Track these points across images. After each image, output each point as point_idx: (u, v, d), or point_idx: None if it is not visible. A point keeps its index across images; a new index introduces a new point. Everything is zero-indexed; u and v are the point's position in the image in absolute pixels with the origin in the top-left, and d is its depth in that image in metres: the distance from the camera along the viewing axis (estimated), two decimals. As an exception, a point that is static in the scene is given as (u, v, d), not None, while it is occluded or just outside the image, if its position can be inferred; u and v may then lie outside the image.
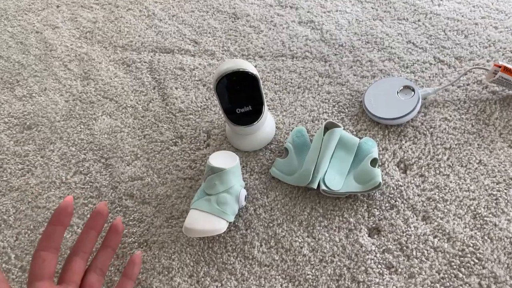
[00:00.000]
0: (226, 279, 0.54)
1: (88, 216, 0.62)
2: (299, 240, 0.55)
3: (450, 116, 0.62)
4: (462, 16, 0.74)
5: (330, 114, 0.66)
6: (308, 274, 0.53)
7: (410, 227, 0.54)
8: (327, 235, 0.55)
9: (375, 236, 0.54)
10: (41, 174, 0.67)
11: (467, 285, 0.49)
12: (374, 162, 0.58)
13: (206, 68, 0.76)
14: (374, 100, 0.64)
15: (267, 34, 0.79)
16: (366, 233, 0.55)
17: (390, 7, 0.78)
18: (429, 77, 0.67)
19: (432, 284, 0.50)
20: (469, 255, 0.51)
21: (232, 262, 0.55)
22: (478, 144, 0.59)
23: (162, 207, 0.61)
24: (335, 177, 0.57)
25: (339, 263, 0.53)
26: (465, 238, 0.52)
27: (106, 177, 0.66)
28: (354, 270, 0.52)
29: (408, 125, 0.62)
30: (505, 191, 0.54)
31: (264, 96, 0.58)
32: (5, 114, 0.76)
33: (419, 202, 0.56)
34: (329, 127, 0.60)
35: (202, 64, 0.77)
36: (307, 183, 0.56)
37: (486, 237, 0.52)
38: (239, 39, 0.80)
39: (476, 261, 0.50)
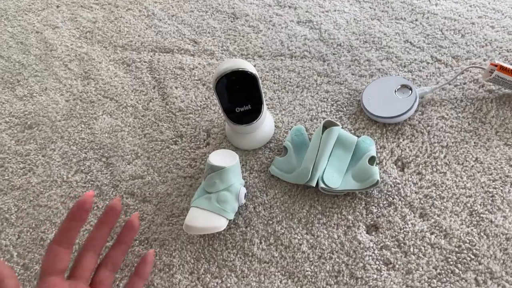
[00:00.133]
0: (226, 275, 0.55)
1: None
2: (298, 237, 0.56)
3: (447, 115, 0.63)
4: (459, 15, 0.74)
5: (328, 113, 0.67)
6: (307, 271, 0.53)
7: (408, 224, 0.55)
8: (325, 232, 0.56)
9: (373, 233, 0.55)
10: (43, 173, 0.68)
11: (464, 280, 0.50)
12: (372, 160, 0.58)
13: (205, 68, 0.77)
14: (372, 99, 0.65)
15: (266, 34, 0.80)
16: (364, 230, 0.55)
17: (388, 7, 0.79)
18: (426, 76, 0.68)
19: (429, 280, 0.50)
20: (465, 251, 0.52)
21: (232, 259, 0.56)
22: (474, 142, 0.60)
23: (163, 205, 0.62)
24: (334, 175, 0.58)
25: (337, 259, 0.54)
26: (461, 234, 0.53)
27: (107, 176, 0.66)
28: (353, 267, 0.53)
29: (406, 124, 0.63)
30: (501, 188, 0.55)
31: (263, 95, 0.59)
32: (6, 114, 0.77)
33: (417, 199, 0.56)
34: (327, 125, 0.61)
35: (202, 63, 0.78)
36: (306, 181, 0.57)
37: (482, 234, 0.52)
38: (238, 39, 0.80)
39: (473, 257, 0.51)
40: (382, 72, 0.70)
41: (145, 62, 0.80)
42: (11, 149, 0.72)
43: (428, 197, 0.56)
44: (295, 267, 0.54)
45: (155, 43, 0.83)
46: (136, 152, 0.68)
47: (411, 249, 0.53)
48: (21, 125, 0.75)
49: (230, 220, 0.57)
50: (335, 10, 0.81)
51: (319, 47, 0.76)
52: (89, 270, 0.41)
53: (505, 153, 0.58)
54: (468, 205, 0.55)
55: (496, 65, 0.60)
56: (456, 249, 0.52)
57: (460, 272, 0.50)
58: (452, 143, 0.60)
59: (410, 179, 0.58)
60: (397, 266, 0.52)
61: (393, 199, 0.57)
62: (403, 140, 0.62)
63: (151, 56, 0.81)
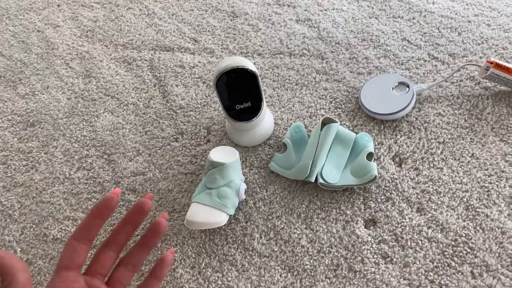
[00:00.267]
0: (227, 269, 0.56)
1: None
2: (298, 232, 0.57)
3: (444, 111, 0.64)
4: (456, 14, 0.75)
5: (327, 110, 0.68)
6: (306, 265, 0.54)
7: (405, 219, 0.56)
8: (324, 226, 0.57)
9: (371, 228, 0.56)
10: (45, 170, 0.69)
11: (460, 273, 0.51)
12: (370, 156, 0.59)
13: (205, 66, 0.78)
14: (370, 96, 0.66)
15: (265, 32, 0.81)
16: (363, 224, 0.56)
17: (386, 5, 0.80)
18: (424, 73, 0.69)
19: (426, 273, 0.51)
20: (461, 245, 0.53)
21: (232, 254, 0.57)
22: (470, 138, 0.61)
23: (164, 201, 0.63)
24: (332, 170, 0.59)
25: (336, 253, 0.55)
26: (458, 228, 0.54)
27: (108, 173, 0.67)
28: (351, 260, 0.54)
29: (403, 120, 0.64)
30: (497, 183, 0.56)
31: (263, 92, 0.59)
32: (8, 112, 0.78)
33: (414, 194, 0.57)
34: (326, 122, 0.61)
35: (202, 62, 0.79)
36: (305, 177, 0.58)
37: (478, 228, 0.53)
38: (237, 37, 0.81)
39: (469, 250, 0.52)
40: (380, 70, 0.71)
41: (145, 60, 0.81)
42: (13, 146, 0.73)
43: (425, 192, 0.57)
44: (295, 261, 0.55)
45: (155, 42, 0.84)
46: (138, 149, 0.69)
47: (409, 243, 0.54)
48: (24, 123, 0.76)
49: (230, 215, 0.58)
50: (333, 9, 0.82)
51: (317, 45, 0.77)
52: (107, 267, 0.40)
53: (500, 149, 0.59)
54: (464, 199, 0.56)
55: (491, 63, 0.61)
56: (453, 243, 0.53)
57: (457, 265, 0.51)
58: (449, 139, 0.61)
59: (407, 174, 0.59)
60: (394, 259, 0.53)
61: (390, 194, 0.58)
62: (401, 137, 0.63)
63: (151, 55, 0.82)
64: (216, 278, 0.55)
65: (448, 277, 0.51)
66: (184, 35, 0.84)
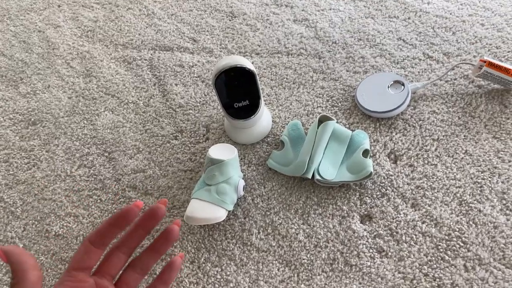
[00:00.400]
0: (226, 264, 0.57)
1: (93, 207, 0.65)
2: (295, 227, 0.58)
3: (438, 109, 0.65)
4: (450, 13, 0.77)
5: (324, 108, 0.69)
6: (303, 259, 0.56)
7: (400, 214, 0.57)
8: (321, 222, 0.58)
9: (367, 223, 0.57)
10: (47, 167, 0.70)
11: (453, 267, 0.52)
12: (365, 153, 0.61)
13: (204, 65, 0.79)
14: (366, 94, 0.67)
15: (263, 32, 0.82)
16: (358, 219, 0.58)
17: (382, 6, 0.81)
18: (419, 72, 0.70)
19: (420, 267, 0.53)
20: (455, 239, 0.54)
21: (231, 249, 0.58)
22: (464, 136, 0.62)
23: (164, 198, 0.64)
24: (329, 167, 0.60)
25: (332, 248, 0.56)
26: (451, 223, 0.55)
27: (109, 170, 0.68)
28: (347, 255, 0.55)
29: (398, 118, 0.65)
30: (489, 179, 0.58)
31: (260, 91, 0.61)
32: (10, 111, 0.79)
33: (409, 190, 0.59)
34: (323, 120, 0.63)
35: (201, 61, 0.80)
36: (302, 173, 0.59)
37: (471, 222, 0.55)
38: (236, 37, 0.82)
39: (462, 244, 0.53)
40: (376, 69, 0.72)
41: (145, 60, 0.82)
42: (15, 145, 0.74)
43: (419, 188, 0.59)
44: (292, 255, 0.56)
45: (155, 42, 0.85)
46: (138, 147, 0.70)
47: (403, 238, 0.55)
48: (25, 121, 0.77)
49: (229, 211, 0.59)
50: (330, 9, 0.83)
51: (315, 45, 0.78)
52: (116, 268, 0.40)
53: (493, 146, 0.60)
54: (458, 195, 0.57)
55: (485, 61, 0.62)
56: (446, 237, 0.54)
57: (450, 258, 0.53)
58: (443, 136, 0.63)
59: (402, 171, 0.60)
60: (389, 253, 0.54)
61: (386, 190, 0.59)
62: (396, 134, 0.64)
63: (151, 54, 0.83)
64: (215, 273, 0.56)
65: (441, 271, 0.52)
66: (183, 35, 0.85)
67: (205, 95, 0.75)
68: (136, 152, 0.69)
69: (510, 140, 0.60)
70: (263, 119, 0.66)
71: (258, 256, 0.57)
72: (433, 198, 0.57)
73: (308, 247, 0.56)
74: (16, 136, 0.75)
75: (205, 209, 0.56)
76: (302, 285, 0.54)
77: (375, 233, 0.56)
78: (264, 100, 0.72)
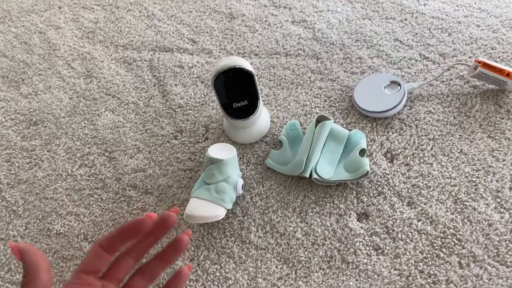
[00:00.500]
0: (225, 262, 0.58)
1: (93, 206, 0.66)
2: (293, 225, 0.59)
3: (434, 109, 0.66)
4: (446, 15, 0.78)
5: (321, 108, 0.70)
6: (301, 256, 0.57)
7: (396, 212, 0.58)
8: (318, 220, 0.59)
9: (364, 221, 0.58)
10: (48, 167, 0.71)
11: (448, 263, 0.53)
12: (362, 152, 0.62)
13: (204, 66, 0.80)
14: (363, 94, 0.68)
15: (262, 33, 0.83)
16: (355, 218, 0.59)
17: (379, 7, 0.82)
18: (415, 72, 0.71)
19: (416, 264, 0.54)
20: (450, 237, 0.55)
21: (230, 246, 0.59)
22: (459, 135, 0.63)
23: (164, 197, 0.65)
24: (326, 166, 0.61)
25: (330, 245, 0.57)
26: (446, 221, 0.56)
27: (110, 169, 0.69)
28: (344, 252, 0.56)
29: (395, 118, 0.66)
30: (484, 177, 0.59)
31: (259, 91, 0.62)
32: (11, 111, 0.80)
33: (405, 189, 0.60)
34: (320, 120, 0.64)
35: (200, 62, 0.81)
36: (300, 173, 0.60)
37: (466, 220, 0.56)
38: (235, 38, 0.83)
39: (456, 241, 0.54)
40: (373, 69, 0.73)
41: (145, 61, 0.83)
42: (17, 144, 0.75)
43: (415, 186, 0.60)
44: (290, 253, 0.57)
45: (155, 43, 0.86)
46: (138, 147, 0.71)
47: (399, 235, 0.56)
48: (27, 121, 0.78)
49: (228, 210, 0.60)
50: (328, 10, 0.84)
51: (312, 46, 0.79)
52: (124, 273, 0.40)
53: (488, 145, 0.61)
54: (453, 193, 0.58)
55: (480, 62, 0.63)
56: (441, 235, 0.55)
57: (445, 256, 0.54)
58: (439, 135, 0.64)
59: (398, 170, 0.61)
60: (386, 251, 0.55)
61: (382, 188, 0.60)
62: (392, 133, 0.65)
63: (151, 55, 0.84)
64: (215, 270, 0.57)
65: (436, 267, 0.53)
66: (183, 36, 0.86)
67: (204, 95, 0.76)
68: (136, 152, 0.70)
69: (504, 139, 0.61)
70: (262, 119, 0.67)
71: (256, 254, 0.58)
72: (429, 196, 0.58)
73: (305, 245, 0.57)
74: (17, 136, 0.76)
75: (204, 208, 0.57)
76: (300, 282, 0.55)
77: (371, 231, 0.57)
78: (263, 100, 0.73)
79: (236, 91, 0.60)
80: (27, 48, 0.90)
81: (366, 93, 0.68)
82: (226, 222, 0.61)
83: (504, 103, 0.64)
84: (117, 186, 0.67)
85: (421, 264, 0.54)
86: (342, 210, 0.59)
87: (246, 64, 0.58)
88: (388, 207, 0.58)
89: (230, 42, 0.83)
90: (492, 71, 0.62)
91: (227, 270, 0.57)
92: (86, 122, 0.76)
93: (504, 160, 0.59)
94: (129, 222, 0.38)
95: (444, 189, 0.59)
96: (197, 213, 0.57)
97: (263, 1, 0.89)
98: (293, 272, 0.56)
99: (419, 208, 0.58)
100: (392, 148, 0.64)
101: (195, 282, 0.56)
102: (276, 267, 0.56)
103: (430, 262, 0.53)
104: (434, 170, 0.61)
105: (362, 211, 0.59)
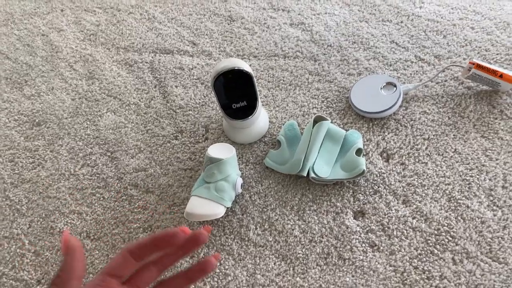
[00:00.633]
0: (225, 258, 0.59)
1: (96, 204, 0.67)
2: (291, 223, 0.60)
3: (429, 110, 0.68)
4: (442, 17, 0.79)
5: (319, 109, 0.72)
6: (299, 253, 0.58)
7: (392, 210, 0.59)
8: (316, 218, 0.60)
9: (360, 219, 0.60)
10: (51, 167, 0.72)
11: (442, 260, 0.54)
12: (359, 152, 0.63)
13: (204, 68, 0.82)
14: (359, 95, 0.69)
15: (260, 36, 0.85)
16: (352, 215, 0.60)
17: (375, 10, 0.84)
18: (410, 74, 0.73)
19: (411, 260, 0.55)
20: (444, 234, 0.56)
21: (229, 244, 0.60)
22: (454, 135, 0.65)
23: (165, 196, 0.66)
24: (323, 165, 0.63)
25: (327, 243, 0.58)
26: (440, 218, 0.57)
27: (112, 169, 0.71)
28: (341, 249, 0.57)
29: (391, 118, 0.68)
30: (477, 176, 0.60)
31: (258, 92, 0.63)
32: (15, 112, 0.81)
33: (400, 187, 0.61)
34: (318, 120, 0.65)
35: (200, 63, 0.82)
36: (297, 172, 0.62)
37: (459, 218, 0.57)
38: (234, 40, 0.85)
39: (450, 238, 0.56)
40: (369, 71, 0.75)
41: (146, 62, 0.85)
42: (20, 145, 0.76)
43: (410, 185, 0.61)
44: (288, 250, 0.58)
45: (156, 45, 0.87)
46: (139, 147, 0.72)
47: (395, 233, 0.57)
48: (30, 122, 0.79)
49: (227, 208, 0.61)
50: (325, 13, 0.86)
51: (310, 48, 0.80)
52: (147, 283, 0.40)
53: (481, 145, 0.63)
54: (447, 192, 0.59)
55: (473, 64, 0.65)
56: (435, 232, 0.57)
57: (439, 252, 0.55)
58: (433, 135, 0.65)
59: (394, 169, 0.63)
60: (381, 248, 0.57)
61: (378, 187, 0.61)
62: (388, 133, 0.66)
63: (152, 57, 0.85)
64: (214, 267, 0.59)
65: (431, 264, 0.54)
66: (183, 39, 0.87)
67: (204, 96, 0.77)
68: (138, 152, 0.72)
69: (497, 139, 0.63)
70: (260, 120, 0.69)
71: (255, 251, 0.59)
72: (423, 194, 0.60)
73: (303, 242, 0.59)
74: (21, 136, 0.77)
75: (204, 206, 0.59)
76: (298, 278, 0.56)
77: (367, 229, 0.58)
78: (262, 101, 0.75)
79: (235, 92, 0.62)
80: (30, 50, 0.92)
81: (362, 94, 0.69)
82: (226, 220, 0.62)
83: (498, 103, 0.66)
84: (118, 185, 0.68)
85: (415, 260, 0.55)
86: (339, 208, 0.61)
87: (245, 65, 0.60)
88: (384, 205, 0.60)
89: (230, 44, 0.84)
90: (486, 72, 0.64)
91: (227, 267, 0.58)
92: (88, 122, 0.77)
93: (497, 159, 0.61)
94: (162, 233, 0.38)
95: (438, 188, 0.60)
96: (197, 211, 0.58)
97: (262, 4, 0.91)
98: (291, 268, 0.57)
99: (414, 206, 0.59)
100: (388, 147, 0.65)
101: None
102: (274, 263, 0.58)
103: (424, 259, 0.55)
104: (428, 169, 0.62)
105: (358, 209, 0.60)
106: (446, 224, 0.57)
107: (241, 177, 0.65)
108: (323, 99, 0.73)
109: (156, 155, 0.71)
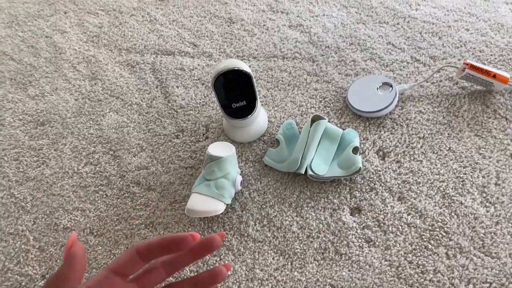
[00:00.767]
0: (224, 254, 0.61)
1: (99, 201, 0.69)
2: (289, 219, 0.62)
3: (424, 109, 0.69)
4: (437, 19, 0.81)
5: (317, 109, 0.73)
6: (296, 248, 0.59)
7: (387, 207, 0.61)
8: (313, 214, 0.62)
9: (356, 215, 0.61)
10: (55, 165, 0.74)
11: (436, 255, 0.56)
12: (355, 150, 0.65)
13: (204, 68, 0.83)
14: (356, 95, 0.71)
15: (260, 37, 0.86)
16: (348, 212, 0.62)
17: (372, 12, 0.86)
18: (406, 74, 0.74)
19: (405, 255, 0.57)
20: (438, 230, 0.58)
21: (229, 239, 0.62)
22: (448, 134, 0.66)
23: (166, 193, 0.68)
24: (321, 163, 0.64)
25: (324, 238, 0.60)
26: (434, 214, 0.59)
27: (114, 167, 0.72)
28: (337, 244, 0.59)
29: (387, 118, 0.69)
30: (471, 174, 0.62)
31: (257, 92, 0.65)
32: (19, 112, 0.83)
33: (395, 184, 0.63)
34: (315, 119, 0.67)
35: (201, 64, 0.84)
36: (295, 169, 0.63)
37: (453, 214, 0.59)
38: (234, 42, 0.87)
39: (444, 234, 0.57)
40: (366, 71, 0.76)
41: (148, 63, 0.86)
42: (25, 144, 0.78)
43: (405, 182, 0.63)
44: (286, 245, 0.60)
45: (157, 46, 0.89)
46: (141, 146, 0.74)
47: (390, 228, 0.59)
48: (34, 122, 0.81)
49: (227, 205, 0.63)
50: (324, 15, 0.87)
51: (309, 49, 0.82)
52: (155, 283, 0.40)
53: (475, 143, 0.64)
54: (441, 189, 0.61)
55: (467, 64, 0.66)
56: (430, 228, 0.58)
57: (433, 247, 0.56)
58: (428, 134, 0.67)
59: (390, 167, 0.64)
60: (377, 243, 0.58)
61: (374, 184, 0.63)
62: (384, 132, 0.68)
63: (153, 58, 0.87)
64: (215, 262, 0.60)
65: (425, 258, 0.56)
66: (184, 40, 0.89)
67: (204, 96, 0.79)
68: (140, 150, 0.73)
69: (491, 138, 0.64)
70: (260, 119, 0.70)
71: (254, 246, 0.61)
72: (418, 191, 0.61)
73: (301, 238, 0.60)
74: (25, 136, 0.79)
75: (204, 203, 0.60)
76: (296, 273, 0.58)
77: (363, 225, 0.60)
78: (261, 101, 0.76)
79: (235, 92, 0.63)
80: (34, 52, 0.94)
81: (359, 94, 0.71)
82: (226, 216, 0.64)
83: (491, 103, 0.67)
84: (121, 183, 0.70)
85: (410, 255, 0.56)
86: (336, 204, 0.62)
87: (244, 66, 0.61)
88: (380, 202, 0.61)
89: (230, 46, 0.86)
90: (479, 72, 0.65)
91: (226, 262, 0.60)
92: (91, 122, 0.79)
93: (490, 157, 0.62)
94: (172, 237, 0.38)
95: (433, 185, 0.62)
96: (198, 207, 0.60)
97: (261, 6, 0.92)
98: (289, 263, 0.59)
99: (409, 202, 0.61)
100: (384, 146, 0.67)
101: (195, 274, 0.59)
102: (273, 258, 0.59)
103: (419, 253, 0.56)
104: (423, 167, 0.63)
105: (355, 205, 0.62)
106: (440, 220, 0.58)
107: (240, 174, 0.66)
108: (321, 99, 0.74)
109: (157, 153, 0.73)
